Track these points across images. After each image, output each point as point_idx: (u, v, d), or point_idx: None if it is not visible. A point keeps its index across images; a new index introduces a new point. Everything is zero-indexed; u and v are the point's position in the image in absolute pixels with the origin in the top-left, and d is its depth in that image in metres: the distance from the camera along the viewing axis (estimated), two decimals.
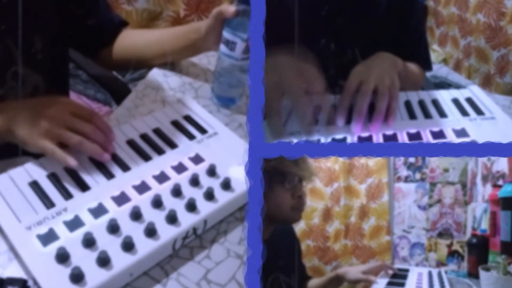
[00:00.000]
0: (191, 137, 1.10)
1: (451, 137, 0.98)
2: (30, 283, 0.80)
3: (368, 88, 1.00)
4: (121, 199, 0.93)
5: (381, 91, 1.00)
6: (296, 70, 0.97)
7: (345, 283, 1.35)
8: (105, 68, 1.39)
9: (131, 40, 1.30)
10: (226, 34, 1.19)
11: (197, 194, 0.96)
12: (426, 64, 1.31)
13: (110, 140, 0.99)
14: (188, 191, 0.97)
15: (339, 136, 0.99)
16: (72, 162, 0.93)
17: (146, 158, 1.03)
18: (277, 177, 0.94)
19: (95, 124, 0.98)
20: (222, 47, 1.21)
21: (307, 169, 0.98)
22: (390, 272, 1.30)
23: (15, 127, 0.95)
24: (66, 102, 1.00)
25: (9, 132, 0.96)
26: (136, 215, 0.90)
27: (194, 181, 0.98)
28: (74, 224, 0.87)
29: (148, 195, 0.94)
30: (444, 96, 1.16)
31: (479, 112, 1.09)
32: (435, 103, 1.13)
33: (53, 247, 0.83)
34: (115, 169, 0.99)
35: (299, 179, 0.98)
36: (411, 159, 1.70)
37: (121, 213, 0.90)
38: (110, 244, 0.85)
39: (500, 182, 1.37)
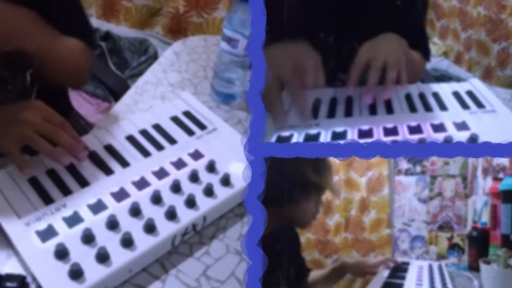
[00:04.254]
0: (190, 133, 1.10)
1: (452, 130, 0.98)
2: (29, 279, 0.80)
3: (378, 64, 1.03)
4: (120, 195, 0.93)
5: (390, 64, 1.03)
6: (295, 62, 0.97)
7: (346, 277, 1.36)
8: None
9: None
10: (228, 32, 1.18)
11: (197, 190, 0.96)
12: (426, 54, 1.31)
13: (76, 146, 0.97)
14: (188, 187, 0.97)
15: (339, 129, 0.99)
16: (26, 171, 0.93)
17: (146, 154, 1.02)
18: (316, 189, 0.97)
19: (64, 130, 0.98)
20: (224, 45, 1.20)
21: (337, 185, 1.02)
22: (391, 264, 1.31)
23: None
24: (38, 107, 0.99)
25: None
26: (135, 211, 0.90)
27: (194, 177, 0.98)
28: (73, 220, 0.87)
29: (148, 191, 0.94)
30: (445, 89, 1.16)
31: (479, 105, 1.08)
32: (436, 96, 1.13)
33: (52, 243, 0.83)
34: (114, 165, 0.99)
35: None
36: None
37: (120, 209, 0.90)
38: (109, 240, 0.85)
39: (501, 175, 1.37)
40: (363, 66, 1.05)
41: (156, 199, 0.93)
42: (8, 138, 0.93)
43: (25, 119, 0.95)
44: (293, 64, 0.96)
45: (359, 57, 1.06)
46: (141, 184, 0.96)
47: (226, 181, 0.99)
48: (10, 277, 0.79)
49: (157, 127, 1.09)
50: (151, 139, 1.06)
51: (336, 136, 0.97)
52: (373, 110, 1.06)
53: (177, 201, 0.94)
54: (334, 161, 1.84)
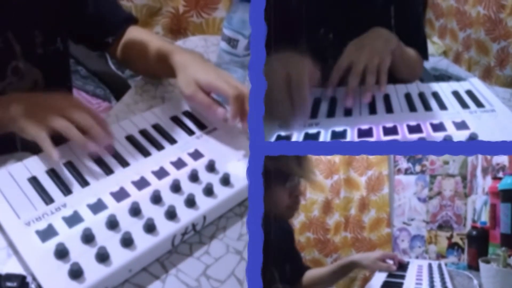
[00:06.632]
0: (190, 132, 1.10)
1: (451, 130, 0.98)
2: (29, 279, 0.80)
3: (358, 69, 1.04)
4: (120, 194, 0.93)
5: (370, 69, 1.04)
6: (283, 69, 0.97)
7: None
8: (120, 65, 1.38)
9: (132, 44, 1.28)
10: (228, 32, 1.18)
11: (196, 190, 0.96)
12: (423, 53, 1.31)
13: (103, 134, 0.98)
14: (187, 187, 0.97)
15: (339, 128, 0.99)
16: (55, 156, 0.92)
17: (145, 153, 1.02)
18: (278, 177, 0.94)
19: (93, 118, 0.98)
20: (223, 45, 1.20)
21: (309, 170, 0.99)
22: (394, 268, 1.30)
23: (15, 116, 0.95)
24: (68, 96, 1.00)
25: (11, 121, 0.95)
26: (135, 211, 0.90)
27: (193, 177, 0.98)
28: (73, 219, 0.87)
29: (147, 191, 0.94)
30: (444, 89, 1.16)
31: (479, 104, 1.08)
32: (435, 95, 1.13)
33: (52, 243, 0.82)
34: (114, 165, 0.98)
35: (299, 180, 0.98)
36: None
37: (120, 209, 0.90)
38: (109, 240, 0.85)
39: (500, 175, 1.37)
40: (345, 69, 1.06)
41: (156, 198, 0.93)
42: (38, 123, 0.93)
43: (55, 105, 0.96)
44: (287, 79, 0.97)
45: (341, 59, 1.07)
46: (141, 183, 0.96)
47: (226, 180, 0.99)
48: (10, 276, 0.79)
49: (157, 127, 1.09)
50: (151, 139, 1.06)
51: (336, 135, 0.97)
52: (372, 110, 1.06)
53: (177, 201, 0.94)
54: (333, 159, 1.84)
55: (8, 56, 1.09)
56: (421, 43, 1.31)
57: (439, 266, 1.33)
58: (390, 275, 1.24)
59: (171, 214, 0.91)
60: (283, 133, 0.97)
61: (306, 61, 1.00)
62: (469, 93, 1.13)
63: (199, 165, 1.02)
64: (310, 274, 1.22)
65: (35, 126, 0.93)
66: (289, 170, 0.96)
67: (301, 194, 1.01)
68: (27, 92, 1.11)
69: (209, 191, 0.97)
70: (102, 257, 0.82)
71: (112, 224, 0.87)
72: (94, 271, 0.81)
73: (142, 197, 0.93)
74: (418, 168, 1.73)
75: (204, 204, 0.95)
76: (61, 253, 0.81)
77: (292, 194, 0.97)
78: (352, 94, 1.04)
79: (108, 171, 0.97)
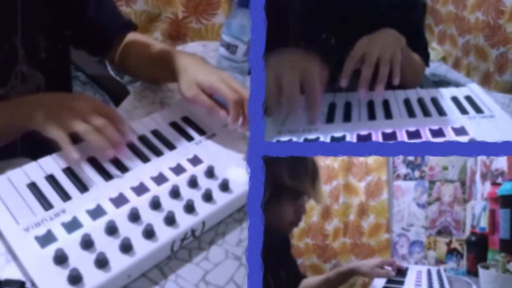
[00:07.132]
0: (189, 138, 1.10)
1: (450, 135, 0.98)
2: (28, 284, 0.80)
3: (372, 60, 1.06)
4: (119, 200, 0.93)
5: (383, 60, 1.06)
6: (295, 67, 0.98)
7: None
8: (118, 70, 1.39)
9: (131, 49, 1.28)
10: (227, 38, 1.19)
11: (196, 196, 0.96)
12: (425, 58, 1.32)
13: (120, 139, 0.99)
14: (187, 193, 0.97)
15: (338, 134, 0.99)
16: (74, 155, 0.93)
17: (145, 159, 1.02)
18: (290, 194, 0.95)
19: (112, 123, 0.99)
20: (222, 51, 1.21)
21: (322, 193, 1.00)
22: (392, 273, 1.30)
23: (37, 115, 0.96)
24: (90, 98, 1.01)
25: (34, 120, 0.96)
26: (134, 216, 0.89)
27: (193, 183, 0.98)
28: (72, 225, 0.87)
29: (147, 197, 0.94)
30: (443, 94, 1.16)
31: (478, 110, 1.08)
32: (434, 101, 1.13)
33: (51, 248, 0.82)
34: (113, 171, 0.98)
35: (308, 199, 0.99)
36: (410, 157, 1.70)
37: (119, 215, 0.90)
38: (108, 246, 0.85)
39: (499, 180, 1.37)
40: (358, 60, 1.08)
41: (155, 204, 0.93)
42: (58, 123, 0.94)
43: (77, 108, 0.97)
44: (294, 69, 0.97)
45: (354, 51, 1.09)
46: (140, 189, 0.96)
47: (225, 186, 0.99)
48: (9, 282, 0.79)
49: (156, 133, 1.09)
50: (150, 145, 1.06)
51: (335, 141, 0.97)
52: (371, 115, 1.06)
53: (176, 207, 0.94)
54: (332, 164, 1.84)
55: (12, 60, 1.10)
56: (423, 49, 1.31)
57: (438, 272, 1.32)
58: (389, 281, 1.24)
59: (170, 220, 0.91)
60: (282, 138, 0.97)
61: (316, 61, 1.01)
62: (468, 98, 1.14)
63: (198, 170, 1.02)
64: (307, 282, 1.22)
65: (56, 127, 0.94)
66: (304, 190, 0.96)
67: (305, 212, 1.01)
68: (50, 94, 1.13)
69: (208, 196, 0.97)
70: (101, 262, 0.82)
71: (111, 230, 0.87)
72: (93, 277, 0.81)
73: (141, 203, 0.93)
74: (417, 173, 1.73)
75: (203, 210, 0.95)
76: (60, 258, 0.81)
77: (297, 212, 0.98)
78: (365, 85, 1.06)
79: (107, 177, 0.97)
